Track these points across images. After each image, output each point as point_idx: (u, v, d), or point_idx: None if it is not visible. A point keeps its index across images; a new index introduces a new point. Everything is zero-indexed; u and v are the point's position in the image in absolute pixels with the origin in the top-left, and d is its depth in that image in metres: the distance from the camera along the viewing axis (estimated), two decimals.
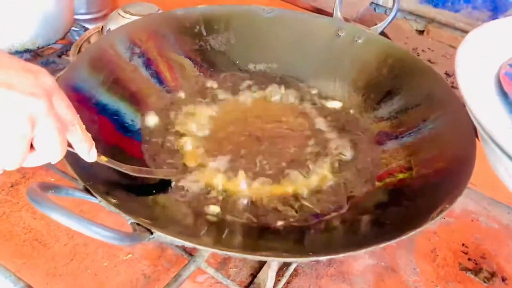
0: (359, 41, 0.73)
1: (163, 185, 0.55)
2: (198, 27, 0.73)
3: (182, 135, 0.64)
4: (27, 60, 0.82)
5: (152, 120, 0.63)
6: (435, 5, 0.92)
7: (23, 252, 0.61)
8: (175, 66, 0.70)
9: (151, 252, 0.61)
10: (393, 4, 0.72)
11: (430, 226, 0.66)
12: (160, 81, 0.68)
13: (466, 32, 0.92)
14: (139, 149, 0.61)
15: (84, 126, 0.43)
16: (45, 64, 0.82)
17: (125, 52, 0.65)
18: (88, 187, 0.43)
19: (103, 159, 0.46)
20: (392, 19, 0.72)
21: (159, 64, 0.68)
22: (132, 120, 0.63)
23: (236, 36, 0.75)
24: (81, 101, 0.57)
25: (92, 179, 0.45)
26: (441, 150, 0.57)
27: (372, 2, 0.95)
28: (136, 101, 0.63)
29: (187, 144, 0.62)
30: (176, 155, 0.61)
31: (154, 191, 0.54)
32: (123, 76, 0.63)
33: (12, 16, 0.72)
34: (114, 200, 0.43)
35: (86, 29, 0.92)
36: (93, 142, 0.44)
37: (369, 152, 0.64)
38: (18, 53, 0.76)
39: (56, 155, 0.40)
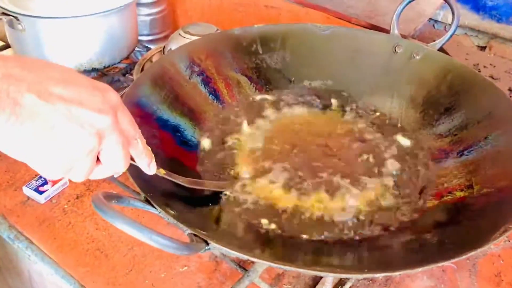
0: (417, 57, 0.71)
1: (217, 197, 0.56)
2: (254, 46, 0.75)
3: (235, 148, 0.65)
4: (94, 78, 0.87)
5: (206, 143, 0.65)
6: (498, 20, 0.89)
7: (86, 261, 0.64)
8: (232, 83, 0.72)
9: (207, 265, 0.62)
10: (453, 20, 0.70)
11: (494, 249, 0.63)
12: (218, 97, 0.70)
13: None
14: (196, 162, 0.63)
15: (144, 140, 0.45)
16: (111, 82, 0.86)
17: (185, 70, 0.67)
18: (148, 198, 0.45)
19: (162, 172, 0.48)
20: (451, 35, 0.70)
21: (217, 81, 0.70)
22: (191, 135, 0.65)
23: (292, 54, 0.76)
24: (144, 116, 0.60)
25: (152, 191, 0.47)
26: (504, 167, 0.55)
27: (431, 19, 0.93)
28: (194, 117, 0.66)
29: (241, 157, 0.63)
30: (230, 168, 0.62)
31: (209, 203, 0.55)
32: (182, 93, 0.66)
33: (82, 38, 0.77)
34: (172, 212, 0.44)
35: (148, 49, 0.96)
36: (153, 155, 0.46)
37: (427, 169, 0.63)
38: (86, 72, 0.81)
39: (120, 168, 0.42)
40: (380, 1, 0.93)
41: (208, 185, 0.57)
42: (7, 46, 0.88)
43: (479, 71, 0.84)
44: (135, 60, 0.93)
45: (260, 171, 0.62)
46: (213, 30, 0.83)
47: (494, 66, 0.82)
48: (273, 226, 0.55)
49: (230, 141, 0.66)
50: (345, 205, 0.58)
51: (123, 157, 0.41)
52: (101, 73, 0.87)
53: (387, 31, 0.83)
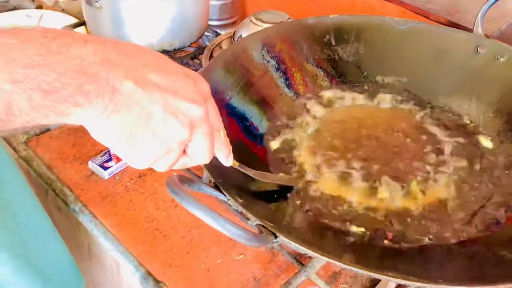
0: (502, 59, 0.67)
1: (284, 191, 0.55)
2: (327, 36, 0.73)
3: (302, 142, 0.63)
4: None
5: (275, 144, 0.64)
6: None
7: (145, 240, 0.65)
8: (303, 73, 0.70)
9: (263, 256, 0.61)
10: None
11: None
12: (289, 86, 0.69)
13: None
14: (260, 152, 0.62)
15: (225, 131, 0.44)
16: None
17: (257, 57, 0.66)
18: (218, 184, 0.44)
19: (236, 164, 0.47)
20: None
21: (288, 70, 0.68)
22: (257, 124, 0.65)
23: (366, 47, 0.73)
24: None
25: (221, 177, 0.46)
26: None
27: None
28: (263, 105, 0.65)
29: (307, 150, 0.61)
30: (296, 160, 0.61)
31: (276, 197, 0.54)
32: (253, 80, 0.65)
33: (156, 19, 0.78)
34: (241, 200, 0.44)
35: (217, 34, 0.96)
36: (231, 147, 0.45)
37: (507, 182, 0.59)
38: None
39: (204, 159, 0.41)
40: None
41: (277, 179, 0.55)
42: (82, 23, 0.90)
43: None
44: (203, 45, 0.92)
45: (327, 166, 0.60)
46: (285, 18, 0.82)
47: None
48: (337, 222, 0.53)
49: (297, 134, 0.64)
50: (412, 207, 0.55)
51: (209, 148, 0.40)
52: (169, 56, 0.87)
53: (468, 30, 0.79)
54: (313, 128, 0.65)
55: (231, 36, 0.87)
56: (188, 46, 0.86)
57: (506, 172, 0.60)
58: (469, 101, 0.68)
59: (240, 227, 0.37)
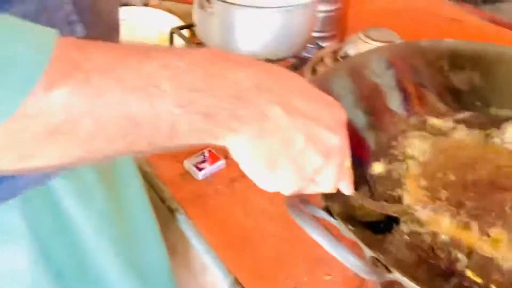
0: None
1: (390, 221, 0.53)
2: (441, 61, 0.70)
3: (408, 169, 0.61)
4: None
5: (379, 167, 0.62)
6: None
7: (233, 246, 0.65)
8: (413, 96, 0.68)
9: (351, 279, 0.60)
10: None
11: None
12: (400, 108, 0.67)
13: None
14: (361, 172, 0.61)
15: (350, 160, 0.43)
16: None
17: (372, 74, 0.65)
18: (329, 209, 0.43)
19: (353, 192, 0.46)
20: None
21: (401, 91, 0.67)
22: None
23: (482, 77, 0.69)
24: None
25: (330, 200, 0.45)
26: None
27: None
28: (371, 124, 0.63)
29: (414, 180, 0.59)
30: (401, 189, 0.59)
31: (381, 226, 0.52)
32: (364, 97, 0.64)
33: (264, 28, 0.79)
34: (352, 228, 0.43)
35: (317, 45, 0.95)
36: (353, 175, 0.44)
37: None
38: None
39: (331, 187, 0.41)
40: None
41: (386, 209, 0.53)
42: (189, 25, 0.93)
43: None
44: (301, 56, 0.92)
45: (434, 200, 0.57)
46: (395, 37, 0.79)
47: None
48: (445, 262, 0.50)
49: (403, 161, 0.62)
50: None
51: (337, 177, 0.40)
52: None
53: None
54: (420, 157, 0.62)
55: (334, 51, 0.86)
56: (290, 57, 0.86)
57: None
58: None
59: (358, 257, 0.36)
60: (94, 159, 0.34)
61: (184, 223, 0.67)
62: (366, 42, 0.79)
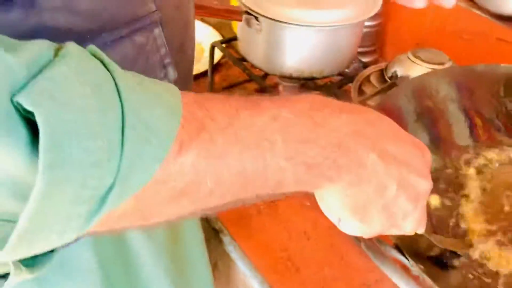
0: None
1: (453, 258, 0.52)
2: (496, 86, 0.68)
3: (467, 202, 0.59)
4: (304, 87, 0.87)
5: (435, 200, 0.60)
6: None
7: (277, 269, 0.64)
8: (477, 124, 0.66)
9: None
10: None
11: None
12: (463, 135, 0.66)
13: None
14: None
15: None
16: (327, 94, 0.86)
17: (437, 97, 0.65)
18: (399, 246, 0.42)
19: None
20: None
21: (464, 118, 0.66)
22: None
23: None
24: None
25: (399, 238, 0.44)
26: None
27: None
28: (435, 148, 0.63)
29: (474, 214, 0.57)
30: (460, 223, 0.57)
31: (445, 261, 0.51)
32: (432, 119, 0.64)
33: (310, 47, 0.77)
34: (422, 267, 0.41)
35: (360, 62, 0.94)
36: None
37: None
38: (304, 79, 0.81)
39: (412, 231, 0.40)
40: None
41: (444, 243, 0.52)
42: (231, 39, 0.92)
43: None
44: (345, 73, 0.90)
45: (487, 232, 0.55)
46: (445, 59, 0.78)
47: None
48: None
49: (461, 193, 0.61)
50: None
51: (420, 221, 0.40)
52: (316, 84, 0.86)
53: None
54: (479, 189, 0.61)
55: (381, 69, 0.84)
56: (335, 75, 0.84)
57: None
58: None
59: None
60: (201, 214, 0.33)
61: (230, 245, 0.66)
62: (415, 63, 0.77)
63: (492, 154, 0.64)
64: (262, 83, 0.86)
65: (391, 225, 0.37)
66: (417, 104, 0.64)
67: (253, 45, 0.81)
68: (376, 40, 1.05)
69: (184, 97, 0.29)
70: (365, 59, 1.02)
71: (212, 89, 0.91)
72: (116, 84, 0.26)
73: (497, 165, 0.63)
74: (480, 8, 0.90)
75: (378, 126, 0.36)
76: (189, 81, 0.56)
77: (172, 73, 0.43)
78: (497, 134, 0.67)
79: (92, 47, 0.27)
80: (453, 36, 0.95)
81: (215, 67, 0.92)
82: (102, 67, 0.26)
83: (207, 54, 0.92)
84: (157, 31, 0.41)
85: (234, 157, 0.29)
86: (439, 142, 0.64)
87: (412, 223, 0.39)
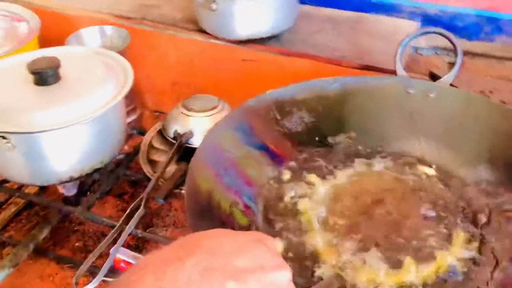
0: (432, 95, 0.72)
1: None
2: (271, 113, 0.72)
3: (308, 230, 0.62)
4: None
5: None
6: (469, 39, 0.94)
7: None
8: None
9: None
10: (457, 55, 0.73)
11: None
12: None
13: (503, 59, 0.95)
14: None
15: None
16: (117, 179, 0.79)
17: (230, 147, 0.66)
18: None
19: None
20: (458, 69, 0.73)
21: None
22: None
23: (308, 114, 0.74)
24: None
25: None
26: None
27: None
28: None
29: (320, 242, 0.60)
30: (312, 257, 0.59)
31: None
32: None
33: (78, 145, 0.68)
34: None
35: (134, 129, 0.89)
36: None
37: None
38: (88, 175, 0.72)
39: None
40: (362, 40, 0.94)
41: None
42: None
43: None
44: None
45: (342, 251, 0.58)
46: (215, 101, 0.78)
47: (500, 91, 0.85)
48: None
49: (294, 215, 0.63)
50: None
51: None
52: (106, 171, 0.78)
53: (383, 71, 0.84)
54: (306, 214, 0.63)
55: (159, 130, 0.81)
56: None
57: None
58: (418, 141, 0.72)
59: None
60: None
61: None
62: (189, 116, 0.76)
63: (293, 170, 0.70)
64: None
65: None
66: (222, 159, 0.63)
67: (11, 165, 0.68)
68: (133, 95, 1.01)
69: None
70: (129, 119, 0.97)
71: None
72: None
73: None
74: (217, 38, 0.94)
75: (219, 247, 0.38)
76: None
77: None
78: (291, 155, 0.71)
79: None
80: (204, 70, 0.98)
81: None
82: None
83: None
84: None
85: None
86: (251, 187, 0.65)
87: None
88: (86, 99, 0.67)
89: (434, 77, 0.84)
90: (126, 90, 0.71)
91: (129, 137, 0.89)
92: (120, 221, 0.64)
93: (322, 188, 0.67)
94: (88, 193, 0.80)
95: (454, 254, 0.58)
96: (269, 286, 0.37)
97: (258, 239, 0.41)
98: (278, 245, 0.59)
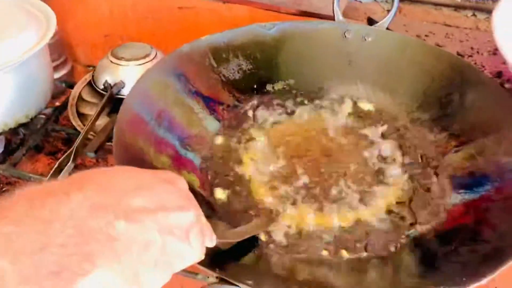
0: (369, 39, 0.72)
1: (254, 240, 0.52)
2: (207, 60, 0.69)
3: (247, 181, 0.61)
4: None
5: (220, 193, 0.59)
6: None
7: None
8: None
9: None
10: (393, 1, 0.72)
11: None
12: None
13: (440, 5, 0.96)
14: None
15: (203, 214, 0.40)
16: (47, 136, 0.74)
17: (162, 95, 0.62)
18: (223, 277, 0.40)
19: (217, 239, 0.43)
20: (394, 13, 0.73)
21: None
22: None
23: (246, 60, 0.71)
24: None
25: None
26: None
27: None
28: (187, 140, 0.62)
29: (256, 187, 0.59)
30: (252, 203, 0.58)
31: (249, 249, 0.50)
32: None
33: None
34: (250, 282, 0.40)
35: (63, 82, 0.83)
36: (210, 226, 0.41)
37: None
38: (14, 129, 0.67)
39: (200, 256, 0.38)
40: None
41: (251, 230, 0.51)
42: None
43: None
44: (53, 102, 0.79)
45: (282, 198, 0.58)
46: (148, 49, 0.74)
47: (434, 34, 0.86)
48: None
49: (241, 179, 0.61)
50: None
51: (203, 243, 0.38)
52: (29, 128, 0.73)
53: (320, 16, 0.83)
54: (247, 162, 0.62)
55: (88, 82, 0.76)
56: (45, 108, 0.73)
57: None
58: (356, 85, 0.72)
59: None
60: None
61: None
62: (121, 64, 0.72)
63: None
64: None
65: (172, 270, 0.35)
66: (152, 108, 0.60)
67: None
68: (62, 48, 0.95)
69: None
70: (60, 74, 0.91)
71: None
72: None
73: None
74: None
75: (115, 185, 0.34)
76: None
77: None
78: (231, 104, 0.69)
79: None
80: (139, 19, 0.93)
81: None
82: None
83: None
84: None
85: None
86: (191, 140, 0.62)
87: (196, 251, 0.37)
88: (4, 47, 0.62)
89: (372, 22, 0.84)
90: (48, 36, 0.65)
91: (60, 92, 0.85)
92: (48, 176, 0.61)
93: (259, 135, 0.66)
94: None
95: None
96: (168, 228, 0.34)
97: (165, 179, 0.38)
98: (220, 193, 0.58)
